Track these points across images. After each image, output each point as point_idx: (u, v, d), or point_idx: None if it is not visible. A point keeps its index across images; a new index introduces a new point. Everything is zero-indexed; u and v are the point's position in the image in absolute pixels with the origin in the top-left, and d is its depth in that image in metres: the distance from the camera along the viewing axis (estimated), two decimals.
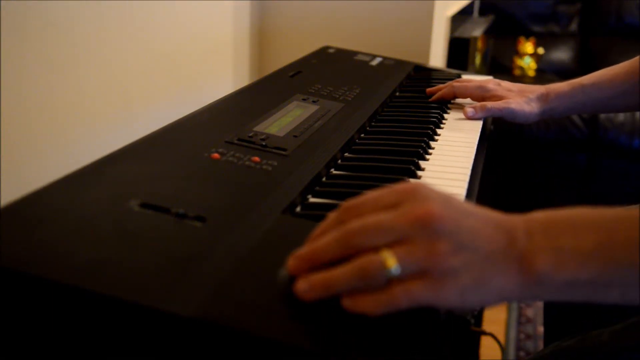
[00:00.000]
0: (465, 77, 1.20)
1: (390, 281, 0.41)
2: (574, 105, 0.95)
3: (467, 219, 0.43)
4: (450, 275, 0.41)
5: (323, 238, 0.44)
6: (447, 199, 0.44)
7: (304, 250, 0.45)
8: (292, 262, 0.44)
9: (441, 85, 1.04)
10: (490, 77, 1.05)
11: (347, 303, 0.42)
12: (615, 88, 0.93)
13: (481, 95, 0.97)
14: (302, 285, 0.43)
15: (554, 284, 0.42)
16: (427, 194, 0.43)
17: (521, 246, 0.43)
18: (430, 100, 1.02)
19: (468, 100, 1.01)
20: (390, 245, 0.42)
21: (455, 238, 0.42)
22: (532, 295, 0.43)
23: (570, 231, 0.43)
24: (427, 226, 0.42)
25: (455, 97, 1.01)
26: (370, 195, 0.45)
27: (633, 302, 0.43)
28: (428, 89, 1.05)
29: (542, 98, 0.95)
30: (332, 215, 0.46)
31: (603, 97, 0.93)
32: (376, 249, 0.42)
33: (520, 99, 0.94)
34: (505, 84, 0.99)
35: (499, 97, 0.95)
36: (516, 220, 0.44)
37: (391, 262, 0.41)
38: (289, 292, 0.44)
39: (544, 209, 0.45)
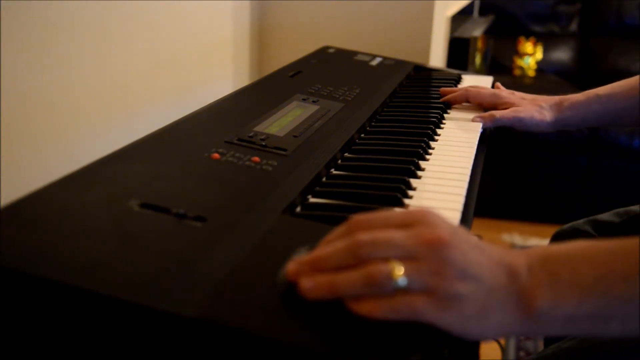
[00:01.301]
0: (465, 77, 1.20)
1: (396, 292, 0.42)
2: (589, 116, 0.92)
3: (472, 251, 0.43)
4: (456, 301, 0.41)
5: (328, 246, 0.45)
6: (455, 230, 0.44)
7: (307, 256, 0.45)
8: (293, 266, 0.44)
9: (455, 88, 1.03)
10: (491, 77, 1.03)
11: (350, 304, 0.42)
12: (632, 99, 0.90)
13: (493, 102, 0.95)
14: (306, 284, 0.43)
15: (554, 320, 0.43)
16: (436, 222, 0.44)
17: (522, 282, 0.43)
18: (441, 100, 1.01)
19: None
20: (399, 259, 0.42)
21: (461, 267, 0.42)
22: (533, 331, 0.44)
23: (569, 266, 0.44)
24: (436, 250, 0.42)
25: (468, 101, 0.99)
26: (380, 213, 0.46)
27: (633, 334, 0.44)
28: (442, 89, 1.04)
29: (556, 107, 0.93)
30: (338, 229, 0.46)
31: (619, 108, 0.91)
32: (385, 259, 0.42)
33: (531, 107, 0.92)
34: (520, 93, 0.97)
35: (510, 104, 0.93)
36: (517, 256, 0.45)
37: (399, 273, 0.41)
38: (289, 292, 0.44)
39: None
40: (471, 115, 0.96)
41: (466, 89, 1.00)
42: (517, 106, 0.93)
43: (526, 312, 0.42)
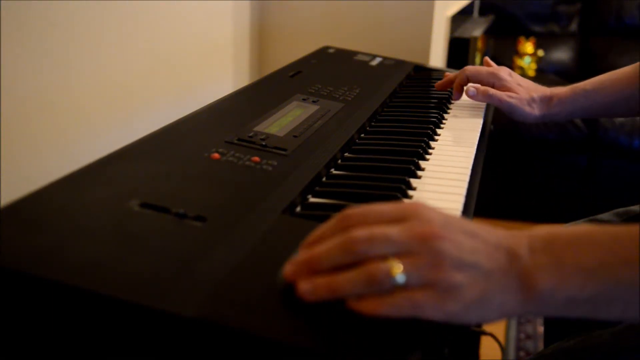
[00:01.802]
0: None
1: (395, 289, 0.42)
2: (576, 110, 0.95)
3: (467, 239, 0.43)
4: (455, 290, 0.41)
5: (323, 244, 0.44)
6: (448, 221, 0.44)
7: (302, 256, 0.45)
8: (289, 267, 0.44)
9: (450, 75, 1.04)
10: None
11: (351, 304, 0.42)
12: (617, 93, 0.93)
13: (492, 82, 0.96)
14: (305, 287, 0.43)
15: (555, 301, 0.43)
16: (428, 215, 0.44)
17: (523, 264, 0.43)
18: (436, 85, 1.02)
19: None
20: (395, 255, 0.42)
21: (456, 256, 0.42)
22: (534, 312, 0.44)
23: (572, 248, 0.44)
24: (429, 243, 0.42)
25: (468, 81, 1.00)
26: (372, 207, 0.46)
27: (634, 319, 0.44)
28: (437, 83, 1.05)
29: (545, 101, 0.94)
30: (331, 222, 0.46)
31: (605, 102, 0.93)
32: (383, 257, 0.42)
33: (525, 97, 0.94)
34: (517, 77, 0.98)
35: (507, 89, 0.95)
36: (518, 237, 0.45)
37: (397, 270, 0.41)
38: (289, 292, 0.44)
39: (546, 224, 0.46)
40: (472, 115, 0.96)
41: (464, 69, 1.00)
42: (514, 92, 0.94)
43: (527, 293, 0.42)
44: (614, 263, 0.43)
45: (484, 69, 0.99)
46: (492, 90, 0.94)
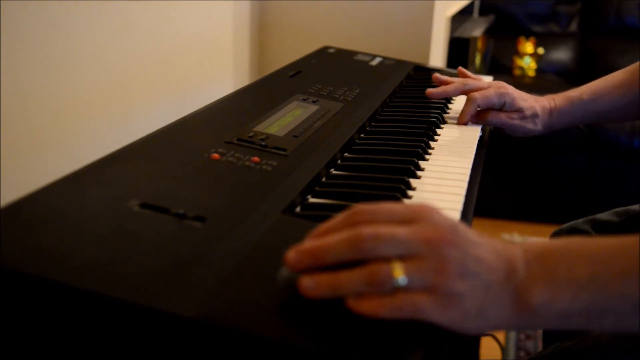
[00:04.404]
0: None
1: (396, 290, 0.42)
2: (574, 120, 0.96)
3: (473, 247, 0.44)
4: (457, 298, 0.42)
5: (330, 237, 0.44)
6: (455, 227, 0.44)
7: (308, 245, 0.44)
8: (293, 255, 0.44)
9: (445, 87, 1.00)
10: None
11: (351, 303, 0.42)
12: (615, 101, 0.93)
13: (503, 102, 0.91)
14: (308, 282, 0.43)
15: (549, 315, 0.43)
16: (438, 219, 0.44)
17: (519, 278, 0.43)
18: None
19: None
20: (400, 257, 0.42)
21: (461, 264, 0.42)
22: (527, 325, 0.44)
23: (565, 262, 0.44)
24: (437, 248, 0.42)
25: (478, 106, 0.93)
26: (382, 205, 0.46)
27: (627, 329, 0.44)
28: (432, 92, 1.00)
29: (547, 116, 0.95)
30: (340, 216, 0.46)
31: (603, 111, 0.94)
32: (386, 258, 0.42)
33: (528, 113, 0.93)
34: (519, 92, 0.94)
35: (518, 105, 0.92)
36: (515, 250, 0.45)
37: (399, 272, 0.42)
38: (289, 291, 0.44)
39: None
40: None
41: (473, 99, 0.92)
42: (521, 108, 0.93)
43: (522, 308, 0.43)
44: (606, 276, 0.43)
45: (490, 92, 0.92)
46: (503, 115, 0.92)
